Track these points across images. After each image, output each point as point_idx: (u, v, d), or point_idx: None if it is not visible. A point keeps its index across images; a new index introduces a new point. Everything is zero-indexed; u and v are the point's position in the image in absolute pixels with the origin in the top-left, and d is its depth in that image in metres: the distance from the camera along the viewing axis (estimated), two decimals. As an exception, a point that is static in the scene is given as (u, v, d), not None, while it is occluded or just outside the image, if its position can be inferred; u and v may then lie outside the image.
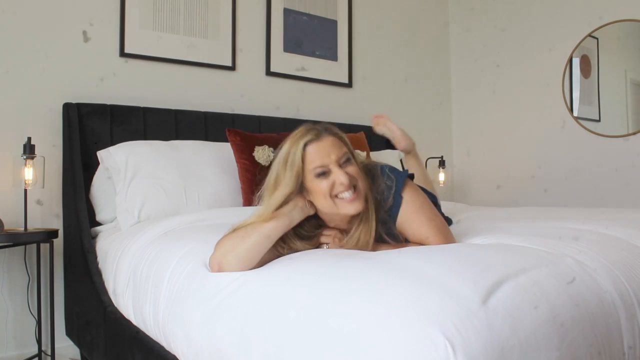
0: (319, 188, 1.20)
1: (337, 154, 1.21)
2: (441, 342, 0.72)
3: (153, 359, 1.41)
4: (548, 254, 1.10)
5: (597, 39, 3.12)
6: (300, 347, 0.87)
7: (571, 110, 3.22)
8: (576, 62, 3.20)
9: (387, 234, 1.31)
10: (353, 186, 1.21)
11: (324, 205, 1.23)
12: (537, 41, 3.39)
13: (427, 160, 3.52)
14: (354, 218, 1.26)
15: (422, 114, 3.73)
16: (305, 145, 1.20)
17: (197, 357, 1.14)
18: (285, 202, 1.22)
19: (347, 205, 1.21)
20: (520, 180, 3.48)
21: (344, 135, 1.28)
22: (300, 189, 1.23)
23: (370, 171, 1.31)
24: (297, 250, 1.24)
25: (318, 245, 1.31)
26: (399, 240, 1.31)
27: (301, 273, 1.04)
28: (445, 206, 2.17)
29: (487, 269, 0.92)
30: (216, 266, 1.19)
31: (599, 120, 3.13)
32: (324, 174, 1.20)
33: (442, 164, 3.45)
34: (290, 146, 1.22)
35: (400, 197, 1.28)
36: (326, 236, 1.30)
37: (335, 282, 0.94)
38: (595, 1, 3.11)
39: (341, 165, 1.21)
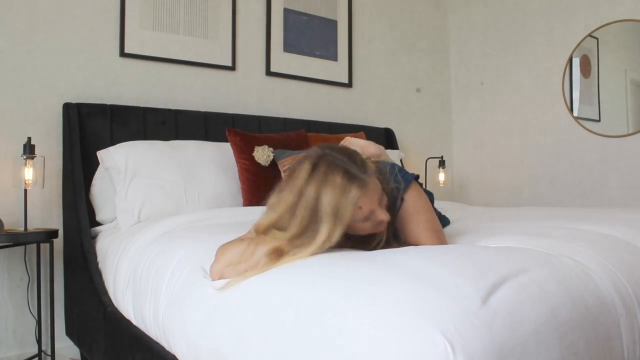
0: (362, 228, 1.17)
1: (378, 194, 1.14)
2: (441, 341, 0.72)
3: (153, 359, 1.41)
4: (548, 254, 1.10)
5: (597, 39, 3.11)
6: (300, 346, 0.87)
7: (571, 110, 3.22)
8: (576, 62, 3.20)
9: (392, 232, 1.32)
10: None
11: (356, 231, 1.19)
12: (537, 41, 3.39)
13: (427, 160, 3.52)
14: None
15: (422, 113, 3.73)
16: (356, 199, 1.09)
17: (196, 357, 1.14)
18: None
19: (379, 227, 1.20)
20: (520, 180, 3.49)
21: (375, 163, 1.21)
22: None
23: (381, 171, 1.26)
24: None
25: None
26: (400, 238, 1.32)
27: (300, 272, 1.04)
28: (445, 206, 2.18)
29: (487, 269, 0.91)
30: (217, 277, 1.18)
31: (599, 120, 3.13)
32: (369, 217, 1.15)
33: (442, 164, 3.45)
34: (338, 198, 1.07)
35: (402, 199, 1.30)
36: None
37: (334, 281, 0.94)
38: (595, 1, 3.11)
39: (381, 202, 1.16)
